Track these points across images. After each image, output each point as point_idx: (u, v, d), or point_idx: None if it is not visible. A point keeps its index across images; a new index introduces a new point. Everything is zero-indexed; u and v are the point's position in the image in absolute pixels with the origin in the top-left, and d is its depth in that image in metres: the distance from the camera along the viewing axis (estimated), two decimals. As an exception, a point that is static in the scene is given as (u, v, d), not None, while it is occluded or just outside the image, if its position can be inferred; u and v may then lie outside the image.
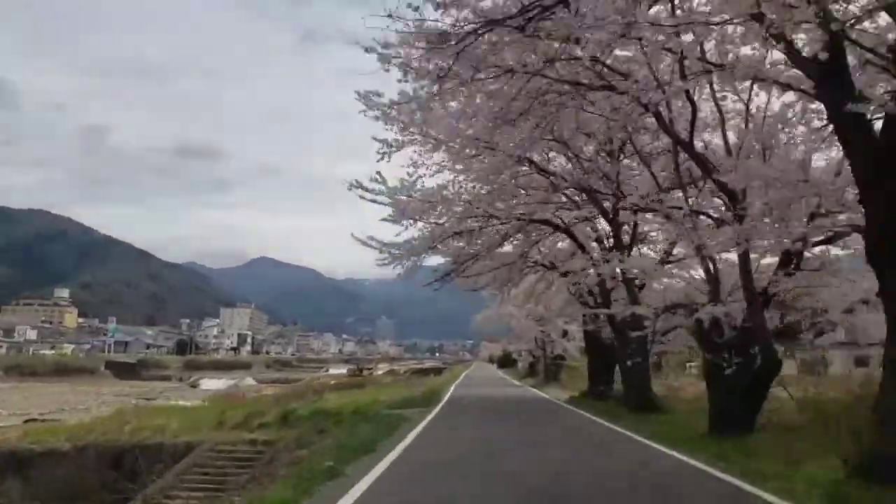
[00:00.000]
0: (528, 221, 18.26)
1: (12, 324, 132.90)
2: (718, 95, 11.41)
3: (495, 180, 16.44)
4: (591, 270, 18.73)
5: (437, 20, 8.34)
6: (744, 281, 11.10)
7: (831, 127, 8.96)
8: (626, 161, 16.91)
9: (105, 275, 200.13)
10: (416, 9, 7.73)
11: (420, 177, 16.10)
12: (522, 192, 17.93)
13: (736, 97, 11.54)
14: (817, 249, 12.88)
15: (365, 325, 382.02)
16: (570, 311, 27.63)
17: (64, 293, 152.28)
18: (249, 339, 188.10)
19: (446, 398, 23.76)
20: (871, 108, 7.06)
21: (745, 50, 8.79)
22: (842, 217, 11.56)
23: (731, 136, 12.13)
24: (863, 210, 8.05)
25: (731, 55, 8.73)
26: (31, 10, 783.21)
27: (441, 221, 17.60)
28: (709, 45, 9.20)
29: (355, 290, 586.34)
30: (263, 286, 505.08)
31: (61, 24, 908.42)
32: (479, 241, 18.50)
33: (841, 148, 8.95)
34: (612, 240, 18.23)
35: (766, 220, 11.23)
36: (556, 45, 9.43)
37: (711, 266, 12.35)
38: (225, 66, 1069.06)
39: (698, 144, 12.27)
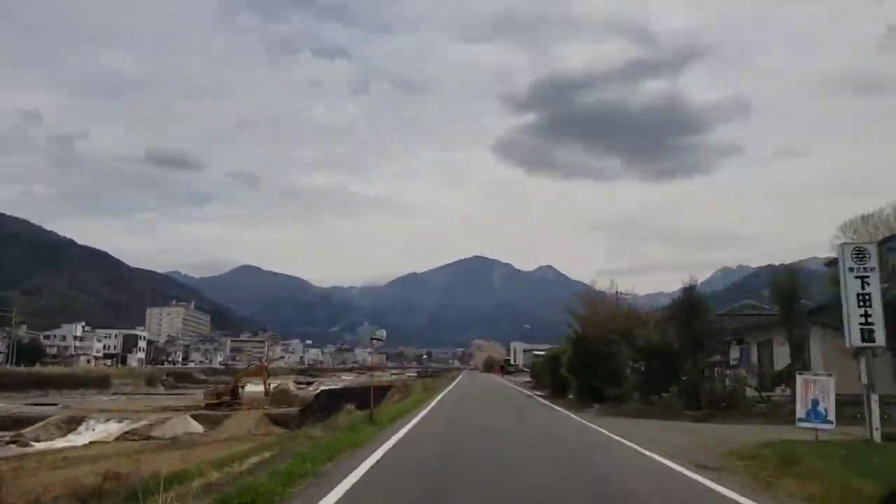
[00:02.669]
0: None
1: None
2: None
3: None
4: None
5: None
6: None
7: None
8: None
9: (59, 280, 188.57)
10: None
11: None
12: None
13: None
14: None
15: (351, 334, 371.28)
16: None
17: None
18: (179, 343, 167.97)
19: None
20: None
21: None
22: None
23: None
24: None
25: None
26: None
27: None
28: None
29: (343, 298, 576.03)
30: (248, 295, 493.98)
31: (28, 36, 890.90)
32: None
33: None
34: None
35: None
36: None
37: None
38: (198, 78, 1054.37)
39: None
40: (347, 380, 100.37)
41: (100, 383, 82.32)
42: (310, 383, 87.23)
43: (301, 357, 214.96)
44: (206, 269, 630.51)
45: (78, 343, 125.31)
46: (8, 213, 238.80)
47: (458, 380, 61.94)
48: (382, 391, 39.37)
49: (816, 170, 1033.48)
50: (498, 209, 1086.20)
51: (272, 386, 52.76)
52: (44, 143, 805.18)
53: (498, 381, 59.91)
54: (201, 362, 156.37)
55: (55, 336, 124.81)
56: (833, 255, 19.17)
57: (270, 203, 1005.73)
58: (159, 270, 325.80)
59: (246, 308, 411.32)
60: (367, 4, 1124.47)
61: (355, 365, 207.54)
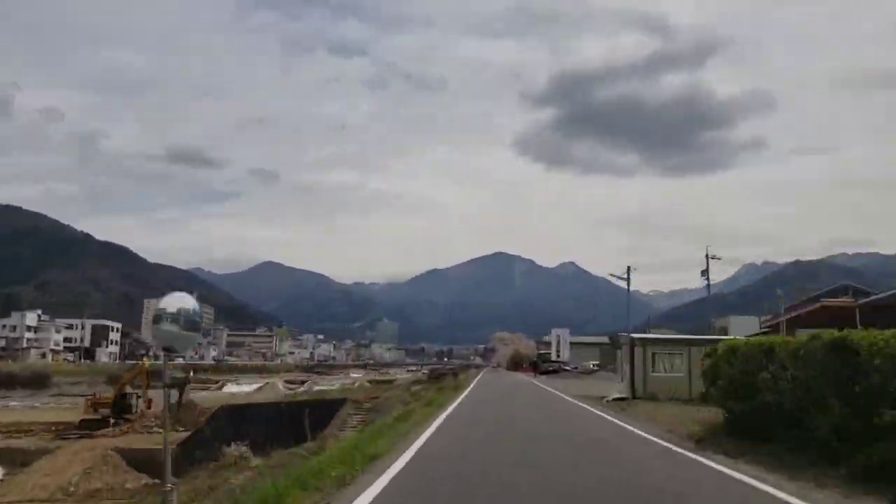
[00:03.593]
0: None
1: None
2: None
3: None
4: None
5: None
6: None
7: None
8: None
9: (70, 275, 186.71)
10: None
11: None
12: None
13: None
14: None
15: (372, 330, 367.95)
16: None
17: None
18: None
19: None
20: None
21: None
22: None
23: None
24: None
25: None
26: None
27: None
28: None
29: (365, 295, 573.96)
30: (269, 291, 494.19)
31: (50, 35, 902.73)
32: None
33: None
34: None
35: None
36: None
37: None
38: (214, 76, 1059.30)
39: None
40: (355, 377, 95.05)
41: (36, 382, 66.65)
42: (303, 382, 74.61)
43: (311, 353, 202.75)
44: (229, 265, 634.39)
45: (31, 335, 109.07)
46: (25, 207, 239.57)
47: (475, 382, 42.15)
48: (330, 409, 23.94)
49: (840, 165, 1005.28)
50: (518, 205, 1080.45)
51: (184, 395, 30.13)
52: (65, 141, 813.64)
53: (537, 388, 35.07)
54: (192, 357, 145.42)
55: (5, 326, 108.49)
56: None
57: (292, 201, 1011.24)
58: (182, 267, 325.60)
59: (268, 304, 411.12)
60: (383, 1, 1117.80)
61: (370, 361, 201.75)
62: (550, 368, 68.07)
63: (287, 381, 74.66)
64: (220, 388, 66.90)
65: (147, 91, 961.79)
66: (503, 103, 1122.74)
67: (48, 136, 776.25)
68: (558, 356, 78.32)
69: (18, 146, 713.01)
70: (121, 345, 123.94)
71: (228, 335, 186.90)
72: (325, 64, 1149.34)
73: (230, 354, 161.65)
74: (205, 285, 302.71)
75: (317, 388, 55.73)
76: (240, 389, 63.91)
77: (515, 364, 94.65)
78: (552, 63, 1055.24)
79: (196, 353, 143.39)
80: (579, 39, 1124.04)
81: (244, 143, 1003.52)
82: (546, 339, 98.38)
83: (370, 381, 64.13)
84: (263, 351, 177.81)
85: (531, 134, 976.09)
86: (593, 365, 70.12)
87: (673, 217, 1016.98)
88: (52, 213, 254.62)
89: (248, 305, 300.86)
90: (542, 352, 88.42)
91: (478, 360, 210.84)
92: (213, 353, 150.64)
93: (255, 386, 66.07)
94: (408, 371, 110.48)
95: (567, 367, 69.90)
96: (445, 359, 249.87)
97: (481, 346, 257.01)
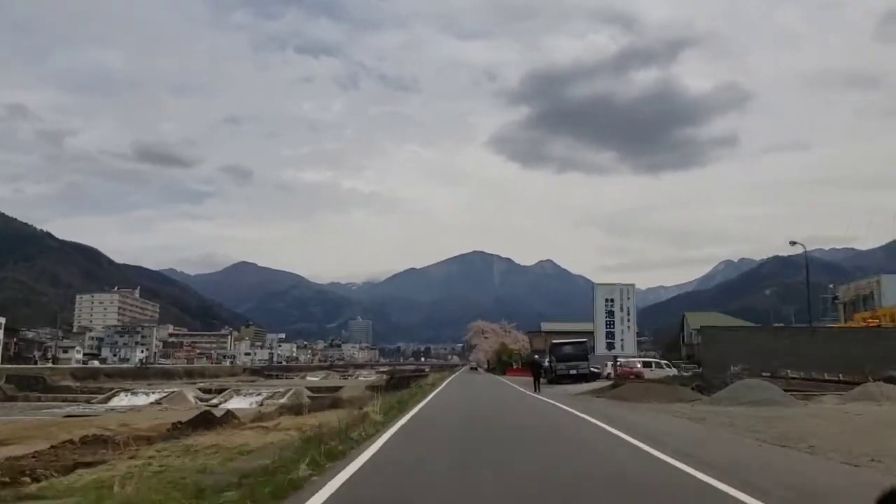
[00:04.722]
0: None
1: None
2: None
3: None
4: None
5: None
6: None
7: None
8: None
9: (25, 273, 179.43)
10: None
11: None
12: None
13: None
14: None
15: (347, 330, 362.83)
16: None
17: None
18: (92, 335, 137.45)
19: None
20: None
21: None
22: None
23: None
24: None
25: None
26: None
27: None
28: None
29: (342, 295, 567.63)
30: (244, 292, 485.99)
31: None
32: None
33: None
34: None
35: None
36: None
37: None
38: (186, 75, 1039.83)
39: None
40: (313, 380, 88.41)
41: None
42: (221, 391, 60.98)
43: (270, 353, 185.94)
44: (203, 266, 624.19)
45: None
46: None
47: (430, 398, 23.58)
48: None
49: (816, 162, 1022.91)
50: (495, 204, 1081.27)
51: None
52: (33, 139, 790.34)
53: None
54: (125, 359, 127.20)
55: None
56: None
57: (267, 201, 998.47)
58: (152, 268, 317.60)
59: (242, 305, 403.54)
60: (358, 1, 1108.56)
61: (340, 362, 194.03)
62: (571, 371, 37.82)
63: (203, 390, 62.35)
64: (108, 398, 57.55)
65: (120, 89, 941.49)
66: (478, 102, 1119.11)
67: (14, 133, 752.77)
68: (622, 344, 38.61)
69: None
70: (3, 345, 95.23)
71: (182, 336, 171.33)
72: (297, 64, 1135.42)
73: (164, 356, 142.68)
74: (175, 286, 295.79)
75: (228, 405, 45.34)
76: (130, 402, 54.38)
77: (502, 363, 71.84)
78: (525, 61, 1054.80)
79: (115, 355, 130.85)
80: (554, 37, 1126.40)
81: (218, 141, 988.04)
82: (546, 328, 79.20)
83: (311, 395, 51.55)
84: (209, 352, 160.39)
85: (506, 133, 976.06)
86: (668, 365, 41.40)
87: (649, 215, 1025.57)
88: (14, 213, 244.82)
89: (219, 306, 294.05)
90: (564, 341, 57.20)
91: (455, 360, 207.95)
92: (141, 354, 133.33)
93: (154, 396, 56.00)
94: (377, 372, 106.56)
95: (595, 369, 40.11)
96: (423, 358, 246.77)
97: (459, 346, 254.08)
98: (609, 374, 38.77)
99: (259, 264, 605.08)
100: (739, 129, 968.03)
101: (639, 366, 38.33)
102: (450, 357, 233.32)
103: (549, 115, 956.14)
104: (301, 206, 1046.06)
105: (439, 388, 32.36)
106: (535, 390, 27.75)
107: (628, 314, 38.87)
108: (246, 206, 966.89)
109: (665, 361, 43.86)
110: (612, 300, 38.72)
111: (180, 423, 22.97)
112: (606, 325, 38.35)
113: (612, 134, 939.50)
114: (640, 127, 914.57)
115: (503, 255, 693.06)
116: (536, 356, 38.48)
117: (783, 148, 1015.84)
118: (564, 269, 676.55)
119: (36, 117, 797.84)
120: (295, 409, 26.23)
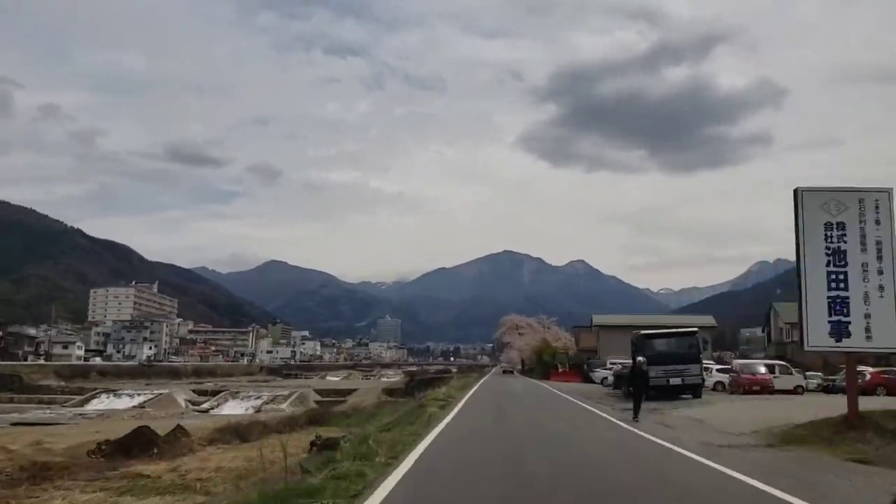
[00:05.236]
0: None
1: None
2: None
3: None
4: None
5: None
6: None
7: None
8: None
9: (52, 269, 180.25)
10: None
11: None
12: None
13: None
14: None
15: (377, 329, 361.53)
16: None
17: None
18: (98, 331, 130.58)
19: None
20: None
21: None
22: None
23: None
24: None
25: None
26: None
27: None
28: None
29: (371, 294, 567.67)
30: (274, 290, 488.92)
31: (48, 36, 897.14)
32: None
33: None
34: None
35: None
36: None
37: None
38: (214, 76, 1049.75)
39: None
40: (333, 380, 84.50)
41: None
42: (216, 393, 55.56)
43: (293, 352, 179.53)
44: (235, 264, 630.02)
45: None
46: (13, 202, 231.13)
47: (456, 412, 18.15)
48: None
49: (850, 159, 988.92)
50: (525, 203, 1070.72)
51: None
52: (65, 140, 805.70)
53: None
54: (130, 356, 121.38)
55: None
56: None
57: (294, 201, 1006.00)
58: (184, 266, 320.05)
59: (272, 303, 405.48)
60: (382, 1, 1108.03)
61: (366, 361, 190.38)
62: (673, 380, 25.44)
63: (199, 391, 57.25)
64: (86, 401, 51.67)
65: (148, 90, 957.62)
66: (506, 101, 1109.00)
67: (46, 133, 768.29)
68: (690, 343, 26.98)
69: (16, 144, 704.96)
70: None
71: (201, 333, 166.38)
72: (323, 65, 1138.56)
73: (177, 354, 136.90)
74: (206, 283, 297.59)
75: (221, 410, 43.16)
76: (110, 405, 49.32)
77: (543, 364, 60.74)
78: (551, 59, 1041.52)
79: (119, 351, 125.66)
80: (579, 34, 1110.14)
81: (246, 142, 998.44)
82: (598, 321, 62.51)
83: (318, 399, 48.64)
84: (227, 350, 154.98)
85: (535, 132, 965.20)
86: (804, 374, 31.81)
87: (679, 213, 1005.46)
88: (47, 210, 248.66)
89: (249, 304, 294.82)
90: (585, 348, 56.69)
91: (484, 360, 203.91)
92: (149, 351, 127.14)
93: (139, 399, 51.07)
94: (402, 372, 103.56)
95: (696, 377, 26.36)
96: (452, 358, 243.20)
97: (489, 345, 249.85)
98: (719, 383, 29.14)
99: (290, 263, 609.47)
100: (773, 126, 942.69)
101: (763, 371, 28.23)
102: (479, 357, 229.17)
103: (578, 113, 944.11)
104: (328, 206, 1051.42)
105: (470, 393, 24.98)
106: (634, 417, 16.86)
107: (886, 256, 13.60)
108: (273, 206, 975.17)
109: (789, 366, 31.69)
110: (840, 224, 13.68)
111: (107, 442, 18.25)
112: (830, 281, 13.54)
113: (642, 132, 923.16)
114: (671, 124, 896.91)
115: (534, 254, 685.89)
116: (640, 358, 20.77)
117: (817, 144, 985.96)
118: (596, 269, 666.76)
119: (68, 117, 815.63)
120: (244, 432, 22.12)
